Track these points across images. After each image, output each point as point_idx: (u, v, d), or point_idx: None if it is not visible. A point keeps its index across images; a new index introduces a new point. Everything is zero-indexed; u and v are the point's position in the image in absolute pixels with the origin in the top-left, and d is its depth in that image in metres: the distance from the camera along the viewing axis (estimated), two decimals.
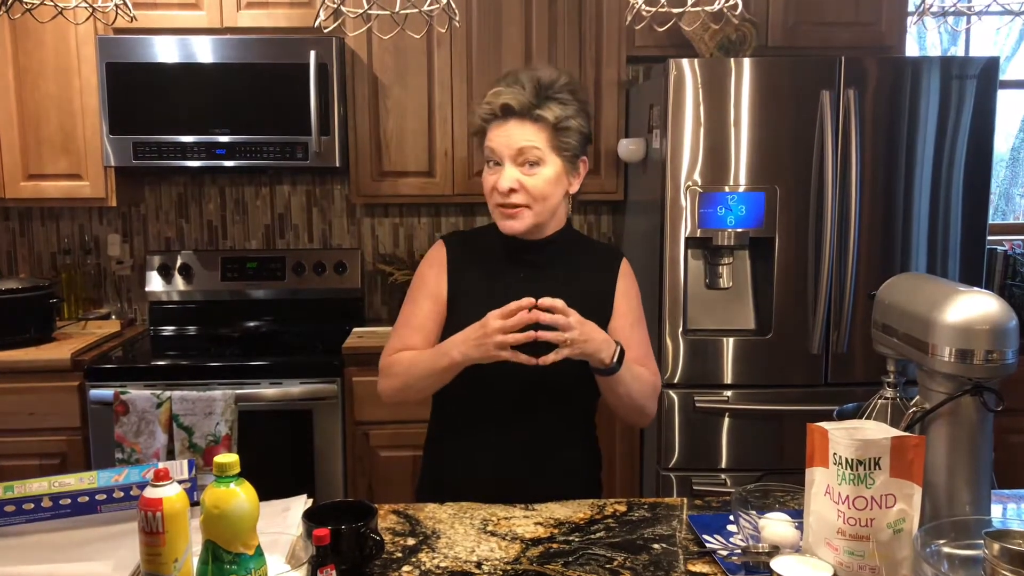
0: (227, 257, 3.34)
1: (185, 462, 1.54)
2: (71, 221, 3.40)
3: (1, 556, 1.38)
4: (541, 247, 1.70)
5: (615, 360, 1.58)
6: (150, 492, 1.18)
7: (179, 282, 3.32)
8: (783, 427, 2.73)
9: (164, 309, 3.34)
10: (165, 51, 2.89)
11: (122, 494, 1.47)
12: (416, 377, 1.66)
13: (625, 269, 1.77)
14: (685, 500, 1.64)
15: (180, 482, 1.38)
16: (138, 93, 2.92)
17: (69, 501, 1.45)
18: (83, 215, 3.40)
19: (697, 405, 2.71)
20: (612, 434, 2.96)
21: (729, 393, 2.72)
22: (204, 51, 2.90)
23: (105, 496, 1.47)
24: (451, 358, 1.58)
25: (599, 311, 1.68)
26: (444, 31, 1.41)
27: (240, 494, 1.08)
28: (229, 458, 1.09)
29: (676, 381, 2.72)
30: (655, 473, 2.81)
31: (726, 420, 2.73)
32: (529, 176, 1.60)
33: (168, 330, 3.33)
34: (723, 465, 2.76)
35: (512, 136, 1.59)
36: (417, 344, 1.71)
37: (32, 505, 1.44)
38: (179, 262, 3.32)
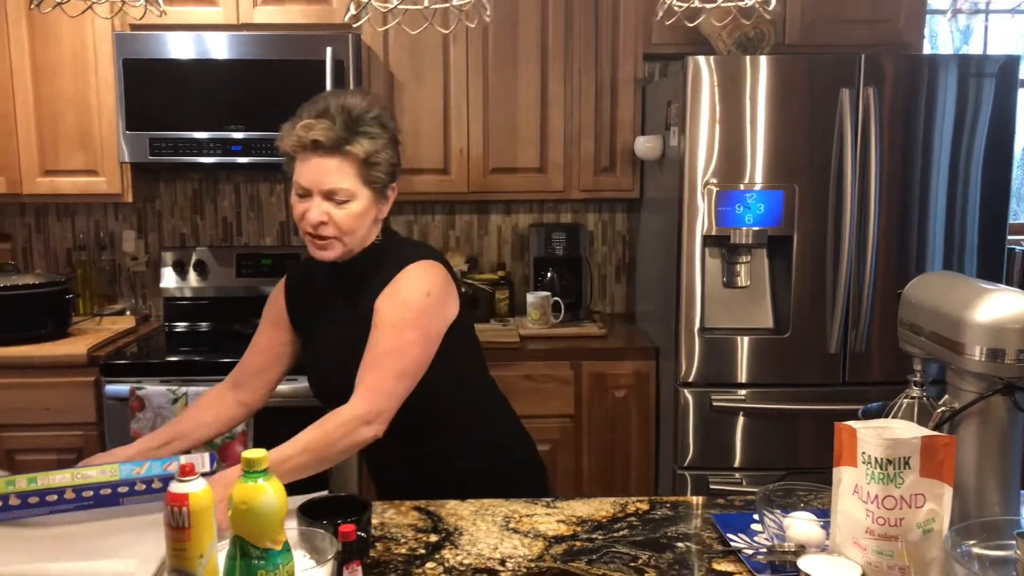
0: (242, 254, 3.34)
1: (206, 455, 1.54)
2: (86, 217, 3.40)
3: (27, 548, 1.38)
4: (351, 267, 1.70)
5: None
6: (176, 487, 1.18)
7: (193, 278, 3.32)
8: (800, 426, 2.72)
9: (178, 305, 3.35)
10: (181, 47, 2.89)
11: (144, 486, 1.48)
12: None
13: (399, 277, 1.65)
14: (706, 499, 1.63)
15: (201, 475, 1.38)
16: (154, 89, 2.92)
17: (92, 493, 1.46)
18: (98, 211, 3.40)
19: (714, 404, 2.70)
20: (627, 432, 2.96)
21: (745, 392, 2.71)
22: (220, 47, 2.90)
23: (127, 488, 1.47)
24: None
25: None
26: (473, 26, 1.40)
27: (268, 489, 1.07)
28: (257, 453, 1.09)
29: (692, 380, 2.71)
30: (671, 472, 2.80)
31: (742, 419, 2.72)
32: (338, 210, 1.60)
33: (183, 326, 3.34)
34: (737, 464, 2.75)
35: (321, 174, 1.58)
36: (250, 366, 1.85)
37: (55, 497, 1.44)
38: (194, 258, 3.32)
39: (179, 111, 2.94)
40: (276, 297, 1.84)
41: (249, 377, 1.85)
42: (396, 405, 1.59)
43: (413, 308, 1.62)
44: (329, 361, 1.75)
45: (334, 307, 1.75)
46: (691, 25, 1.76)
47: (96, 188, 3.04)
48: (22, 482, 1.44)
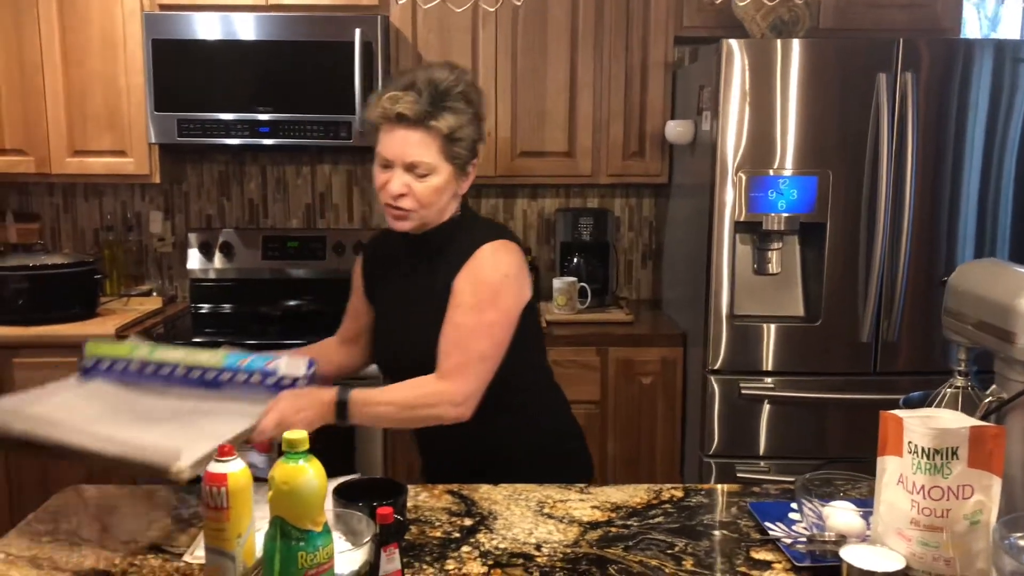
0: (268, 236, 3.34)
1: (304, 359, 1.58)
2: (114, 198, 3.41)
3: (128, 409, 1.50)
4: (427, 240, 1.71)
5: (339, 417, 1.56)
6: (215, 467, 1.17)
7: (220, 260, 3.33)
8: (829, 415, 2.69)
9: (205, 287, 3.35)
10: (210, 28, 2.88)
11: (244, 377, 1.55)
12: None
13: (479, 253, 1.65)
14: (740, 487, 1.62)
15: (296, 379, 1.50)
16: (183, 70, 2.91)
17: (198, 374, 1.55)
18: (125, 192, 3.41)
19: (742, 392, 2.68)
20: (653, 419, 2.94)
21: (773, 380, 2.68)
22: (249, 28, 2.89)
23: (229, 376, 1.55)
24: None
25: (446, 304, 1.65)
26: (520, 3, 1.37)
27: (309, 470, 1.07)
28: (298, 434, 1.08)
29: (719, 367, 2.69)
30: (697, 459, 2.78)
31: (770, 407, 2.70)
32: (419, 183, 1.61)
33: (208, 308, 3.34)
34: (764, 452, 2.73)
35: (405, 147, 1.60)
36: (348, 331, 1.91)
37: (168, 371, 1.57)
38: (220, 240, 3.32)
39: (207, 92, 2.94)
40: (356, 267, 1.88)
41: (352, 337, 1.90)
42: (482, 388, 1.60)
43: (492, 288, 1.63)
44: (397, 333, 1.75)
45: (406, 279, 1.76)
46: (741, 4, 1.73)
47: (124, 169, 3.05)
48: (144, 351, 1.59)
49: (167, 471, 1.27)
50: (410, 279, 1.75)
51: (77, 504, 1.51)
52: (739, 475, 2.70)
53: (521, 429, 1.75)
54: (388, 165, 1.63)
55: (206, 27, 2.88)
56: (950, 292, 1.43)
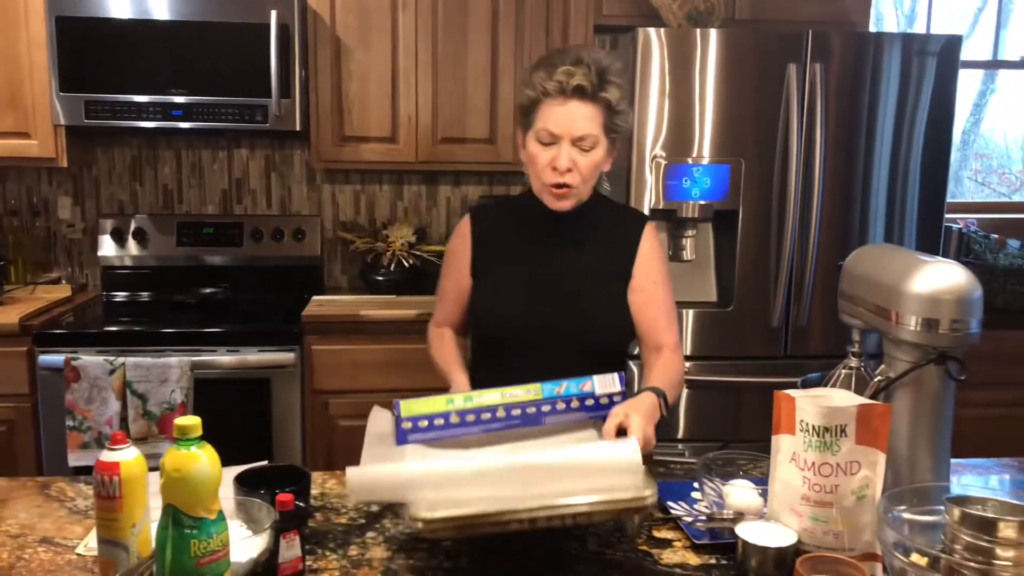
0: (183, 222, 3.26)
1: (616, 375, 1.49)
2: (18, 182, 3.28)
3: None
4: (570, 215, 1.73)
5: (665, 411, 1.61)
6: (106, 456, 1.14)
7: (133, 247, 3.23)
8: (742, 398, 2.76)
9: (117, 274, 3.25)
10: (119, 6, 2.79)
11: (564, 405, 1.48)
12: (435, 367, 1.84)
13: (649, 232, 1.78)
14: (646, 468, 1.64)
15: (612, 396, 1.47)
16: (90, 49, 2.81)
17: (519, 412, 1.47)
18: (31, 176, 3.28)
19: None
20: None
21: (690, 364, 2.73)
22: (160, 7, 2.80)
23: (549, 407, 1.48)
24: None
25: (617, 275, 1.74)
26: None
27: (202, 457, 1.05)
28: (190, 420, 1.06)
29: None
30: None
31: (685, 391, 2.75)
32: (582, 157, 1.64)
33: (121, 296, 3.25)
34: (680, 435, 2.78)
35: (575, 120, 1.61)
36: (454, 317, 1.86)
37: (489, 415, 1.46)
38: (133, 226, 3.23)
39: (117, 73, 2.84)
40: (462, 248, 1.82)
41: (464, 323, 1.87)
42: None
43: (666, 263, 1.81)
44: (528, 300, 1.73)
45: (537, 249, 1.76)
46: None
47: (28, 151, 2.93)
48: (460, 400, 1.47)
49: (637, 505, 1.21)
50: (540, 250, 1.75)
51: None
52: (656, 458, 2.74)
53: None
54: (551, 141, 1.63)
55: (115, 5, 2.78)
56: (845, 276, 1.47)
